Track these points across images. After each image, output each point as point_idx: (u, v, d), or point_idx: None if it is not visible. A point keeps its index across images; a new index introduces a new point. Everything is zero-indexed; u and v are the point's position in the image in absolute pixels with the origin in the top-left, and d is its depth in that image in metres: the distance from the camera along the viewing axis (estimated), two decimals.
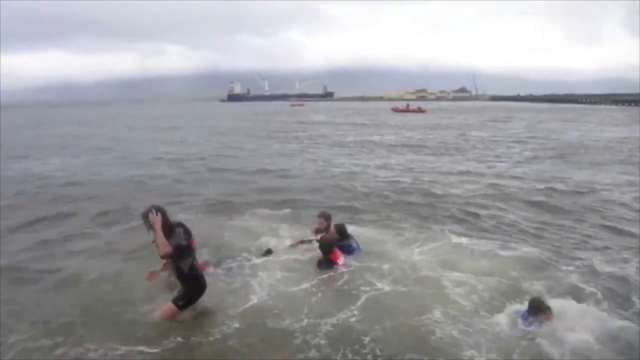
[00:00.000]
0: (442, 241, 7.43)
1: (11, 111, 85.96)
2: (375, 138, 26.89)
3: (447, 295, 5.44)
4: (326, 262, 6.16)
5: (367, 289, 5.63)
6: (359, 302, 5.31)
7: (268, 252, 6.83)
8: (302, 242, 7.06)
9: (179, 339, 4.49)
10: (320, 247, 6.21)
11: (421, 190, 11.69)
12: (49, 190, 12.49)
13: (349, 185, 12.37)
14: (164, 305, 4.63)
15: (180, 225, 4.56)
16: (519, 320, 4.74)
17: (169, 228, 4.43)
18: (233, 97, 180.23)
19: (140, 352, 4.31)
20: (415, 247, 7.12)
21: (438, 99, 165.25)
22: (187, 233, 4.53)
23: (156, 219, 4.34)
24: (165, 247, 4.32)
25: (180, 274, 4.55)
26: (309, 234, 7.36)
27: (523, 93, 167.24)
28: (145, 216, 4.48)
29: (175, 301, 4.58)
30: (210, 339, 4.55)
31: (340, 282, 5.87)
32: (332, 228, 6.92)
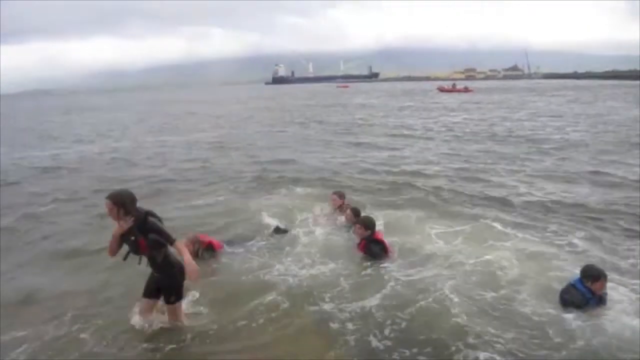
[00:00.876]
0: (482, 228, 7.28)
1: (62, 99, 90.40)
2: (418, 121, 26.19)
3: (487, 282, 5.34)
4: (375, 243, 5.97)
5: (399, 274, 5.59)
6: (389, 288, 5.26)
7: (277, 230, 6.98)
8: (321, 212, 7.40)
9: (195, 328, 4.53)
10: (364, 223, 6.09)
11: (457, 176, 11.38)
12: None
13: (383, 170, 12.27)
14: (169, 311, 4.42)
15: (150, 214, 4.15)
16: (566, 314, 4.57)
17: (143, 220, 4.06)
18: (277, 80, 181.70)
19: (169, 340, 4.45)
20: (453, 233, 7.01)
21: (487, 78, 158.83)
22: (159, 220, 4.19)
23: (185, 249, 4.09)
24: (195, 269, 4.06)
25: (153, 264, 4.28)
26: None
27: (580, 70, 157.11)
28: (116, 203, 4.01)
29: (169, 301, 4.36)
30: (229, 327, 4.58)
31: (369, 264, 5.89)
32: (348, 210, 7.00)
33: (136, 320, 4.45)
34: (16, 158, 15.95)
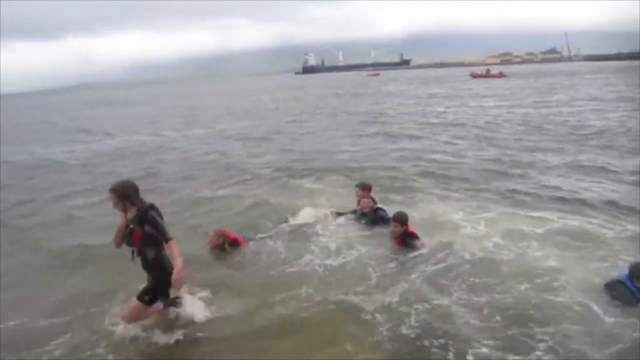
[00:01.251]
0: (515, 218, 7.03)
1: (94, 92, 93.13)
2: (449, 109, 25.41)
3: (520, 273, 5.20)
4: (410, 237, 6.07)
5: (428, 264, 5.58)
6: (417, 278, 5.24)
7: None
8: (331, 213, 7.32)
9: (215, 324, 4.50)
10: (400, 220, 6.12)
11: (489, 165, 11.05)
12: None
13: (412, 160, 12.05)
14: (131, 303, 4.26)
15: (152, 207, 4.13)
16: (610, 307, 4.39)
17: (144, 212, 4.06)
18: (308, 69, 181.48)
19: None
20: (484, 223, 6.80)
21: (524, 62, 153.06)
22: (160, 216, 4.14)
23: (178, 253, 3.99)
24: (180, 278, 4.00)
25: (144, 262, 4.18)
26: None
27: (626, 50, 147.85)
28: (121, 195, 4.04)
29: (140, 297, 4.19)
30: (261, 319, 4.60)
31: (397, 255, 5.88)
32: (364, 198, 7.00)
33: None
34: (42, 153, 16.65)
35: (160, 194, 9.36)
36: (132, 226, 4.07)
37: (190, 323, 4.44)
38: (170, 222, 7.44)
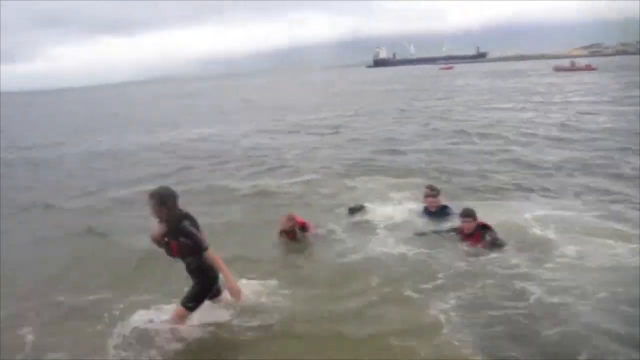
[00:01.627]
0: (599, 225, 6.47)
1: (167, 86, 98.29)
2: (527, 104, 23.77)
3: (609, 283, 4.79)
4: (484, 227, 5.86)
5: (497, 264, 5.36)
6: (489, 279, 5.04)
7: (358, 209, 7.06)
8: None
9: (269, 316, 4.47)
10: (470, 215, 5.92)
11: (569, 167, 10.21)
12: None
13: (482, 159, 11.52)
14: (176, 309, 4.20)
15: (187, 217, 4.05)
16: None
17: (177, 220, 3.96)
18: (379, 62, 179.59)
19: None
20: (565, 227, 6.31)
21: (617, 53, 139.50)
22: (195, 225, 4.05)
23: (222, 264, 4.03)
24: (237, 289, 4.10)
25: (187, 269, 4.18)
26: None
27: None
28: (157, 200, 3.96)
29: (184, 304, 4.14)
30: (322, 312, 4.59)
31: (468, 252, 5.71)
32: (430, 197, 6.95)
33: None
34: (107, 143, 17.86)
35: (223, 188, 9.37)
36: (166, 239, 4.02)
37: (253, 317, 4.40)
38: (232, 214, 7.78)
